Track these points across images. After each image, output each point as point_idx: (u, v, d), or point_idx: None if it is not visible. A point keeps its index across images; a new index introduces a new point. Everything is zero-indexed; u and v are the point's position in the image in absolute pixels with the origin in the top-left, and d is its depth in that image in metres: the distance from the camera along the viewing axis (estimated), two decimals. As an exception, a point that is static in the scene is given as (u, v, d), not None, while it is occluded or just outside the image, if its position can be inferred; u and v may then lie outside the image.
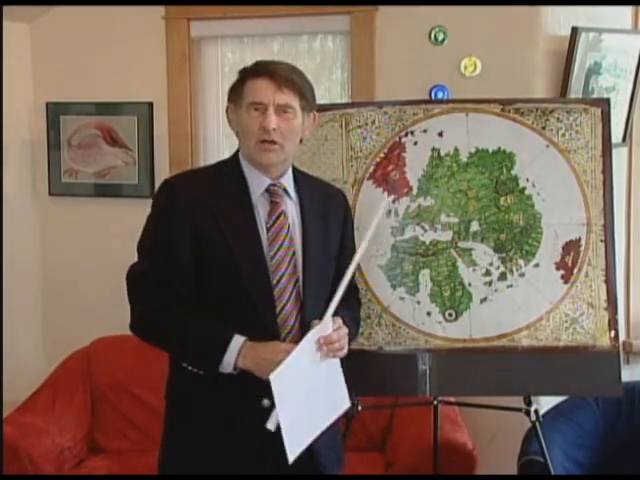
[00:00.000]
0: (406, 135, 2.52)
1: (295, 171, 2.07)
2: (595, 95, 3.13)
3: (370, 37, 3.25)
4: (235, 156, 2.03)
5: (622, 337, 3.25)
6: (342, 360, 1.98)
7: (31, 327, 3.59)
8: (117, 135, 3.47)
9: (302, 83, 1.96)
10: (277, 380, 1.78)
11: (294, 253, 1.96)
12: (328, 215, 2.07)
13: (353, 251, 2.17)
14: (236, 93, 1.97)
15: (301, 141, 2.04)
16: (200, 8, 3.35)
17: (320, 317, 1.92)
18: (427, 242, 2.50)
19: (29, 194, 3.60)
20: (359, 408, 2.53)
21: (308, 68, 3.44)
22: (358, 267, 2.45)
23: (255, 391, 1.84)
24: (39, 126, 3.54)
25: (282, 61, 2.03)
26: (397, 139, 2.52)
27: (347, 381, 2.01)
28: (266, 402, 1.84)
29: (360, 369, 2.43)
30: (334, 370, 1.96)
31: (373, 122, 2.52)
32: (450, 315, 2.49)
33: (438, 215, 2.50)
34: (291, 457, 1.82)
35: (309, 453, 1.90)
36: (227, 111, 2.03)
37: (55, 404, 3.14)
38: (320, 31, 3.40)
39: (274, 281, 1.92)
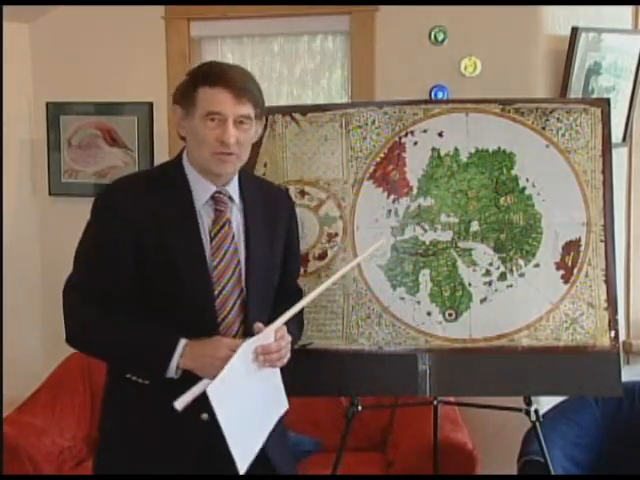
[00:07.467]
0: (406, 135, 2.52)
1: (239, 173, 1.99)
2: (595, 95, 3.13)
3: (370, 37, 3.25)
4: (179, 161, 1.94)
5: (622, 337, 3.25)
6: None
7: (31, 327, 3.59)
8: (117, 135, 3.47)
9: (256, 91, 1.89)
10: (215, 393, 1.71)
11: (239, 262, 1.91)
12: (273, 217, 2.02)
13: (298, 250, 2.15)
14: (187, 99, 1.86)
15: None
16: (200, 8, 3.35)
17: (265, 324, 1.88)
18: (427, 242, 2.50)
19: (29, 194, 3.60)
20: (359, 408, 2.53)
21: (308, 68, 3.45)
22: (358, 267, 2.45)
23: (194, 405, 1.75)
24: (39, 126, 3.55)
25: (234, 66, 1.92)
26: (397, 139, 2.52)
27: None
28: (205, 416, 1.80)
29: (360, 369, 2.44)
30: (272, 375, 1.92)
31: (373, 122, 2.52)
32: (450, 315, 2.49)
33: (438, 215, 2.50)
34: (242, 469, 1.77)
35: (262, 455, 1.86)
36: (175, 114, 1.92)
37: (55, 404, 3.15)
38: (320, 31, 3.40)
39: (216, 291, 1.87)
